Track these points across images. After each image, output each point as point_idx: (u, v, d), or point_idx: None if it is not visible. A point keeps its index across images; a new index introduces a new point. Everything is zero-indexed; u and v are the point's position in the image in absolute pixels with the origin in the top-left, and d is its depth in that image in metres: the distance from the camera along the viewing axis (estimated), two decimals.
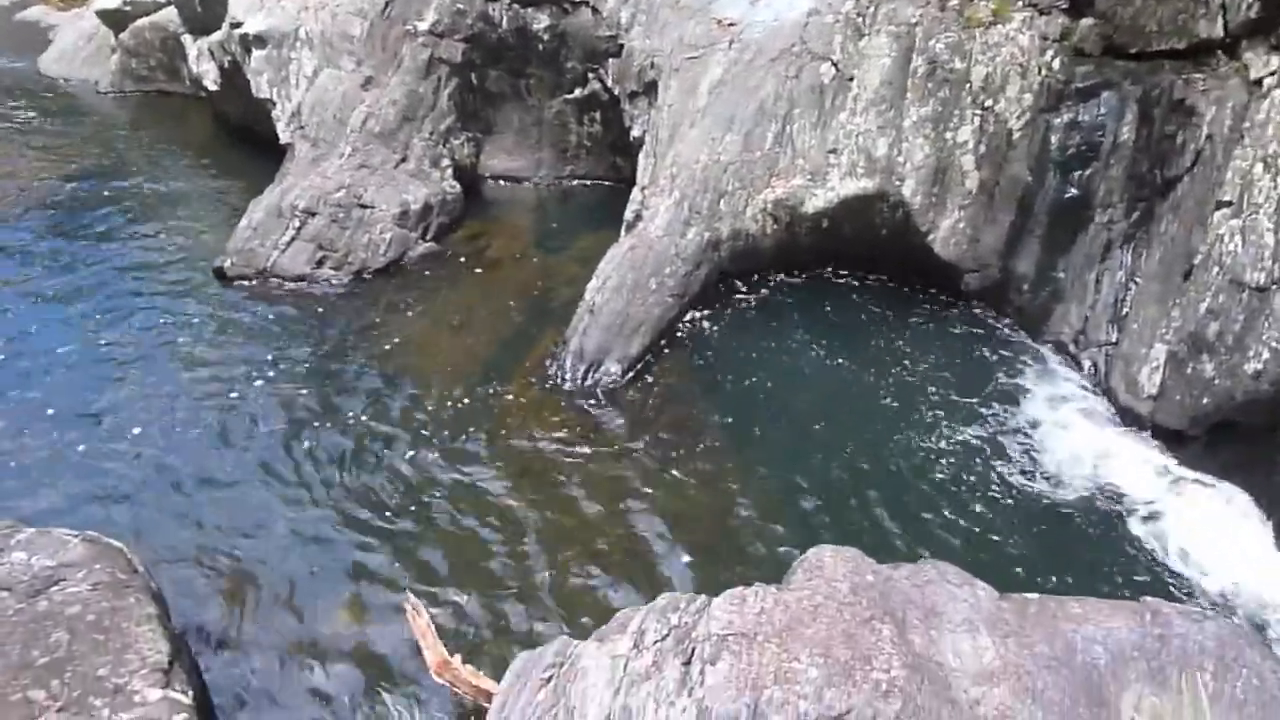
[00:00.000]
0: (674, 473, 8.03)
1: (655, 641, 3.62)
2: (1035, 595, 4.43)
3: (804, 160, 10.74)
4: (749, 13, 11.71)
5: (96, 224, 12.49)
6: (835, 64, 10.78)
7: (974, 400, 9.07)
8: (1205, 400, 8.08)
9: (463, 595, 6.73)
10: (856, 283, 11.06)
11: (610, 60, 12.66)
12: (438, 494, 7.77)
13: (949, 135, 10.29)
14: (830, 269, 11.27)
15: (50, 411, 8.74)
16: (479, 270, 11.54)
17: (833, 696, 3.28)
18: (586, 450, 8.35)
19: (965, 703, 3.59)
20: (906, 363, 9.58)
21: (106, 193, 13.44)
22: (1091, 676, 3.97)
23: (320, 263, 11.15)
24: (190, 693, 5.80)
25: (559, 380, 9.28)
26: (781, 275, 11.19)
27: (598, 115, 13.38)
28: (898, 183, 10.40)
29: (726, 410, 8.85)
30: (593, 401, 9.02)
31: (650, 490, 7.81)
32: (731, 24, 11.68)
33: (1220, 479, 8.06)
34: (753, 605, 3.65)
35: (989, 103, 10.12)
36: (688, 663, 3.48)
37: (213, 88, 14.98)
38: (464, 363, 9.63)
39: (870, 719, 3.24)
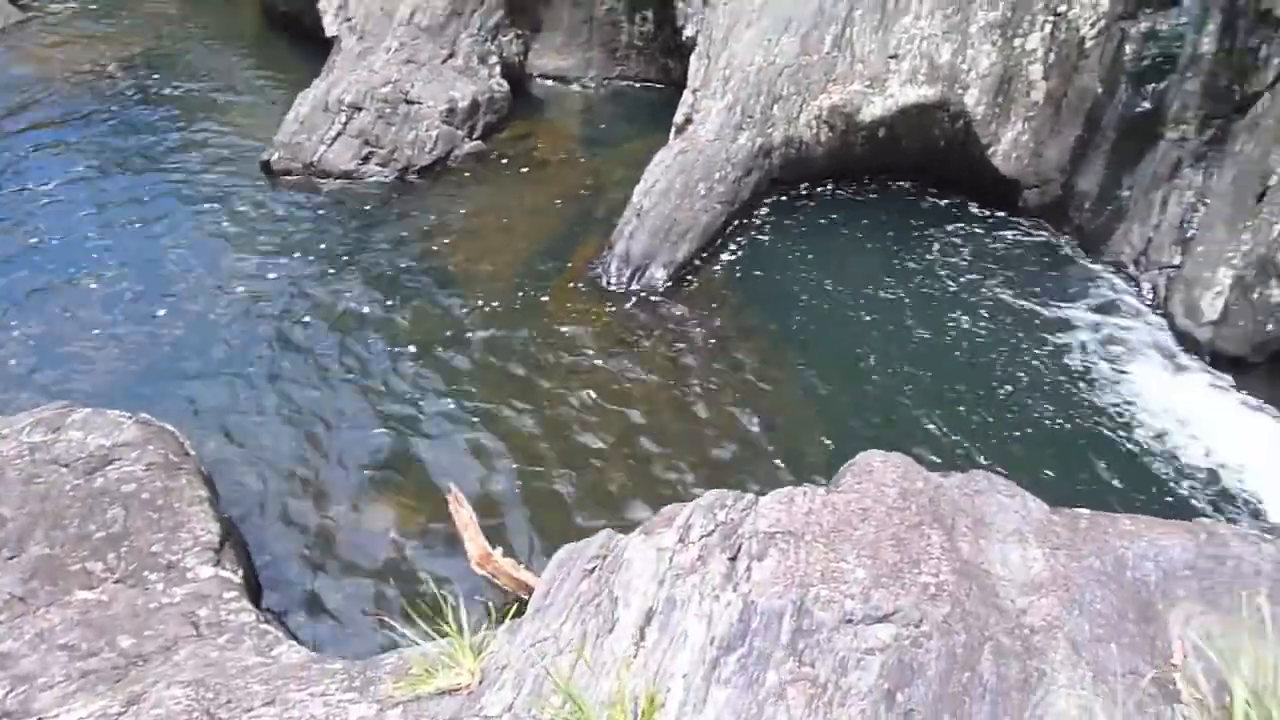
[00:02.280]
0: (715, 377, 7.97)
1: (701, 536, 3.61)
2: (1087, 510, 4.36)
3: (863, 65, 10.35)
4: None
5: (142, 114, 12.45)
6: None
7: (1026, 317, 8.85)
8: (1269, 326, 7.82)
9: (504, 491, 6.80)
10: (911, 195, 10.74)
11: None
12: (480, 391, 7.80)
13: (1017, 42, 9.84)
14: (885, 180, 10.96)
15: (99, 297, 8.86)
16: (525, 170, 11.38)
17: (880, 597, 3.26)
18: (629, 353, 8.31)
19: (1012, 611, 3.56)
20: (959, 278, 9.35)
21: (153, 83, 13.36)
22: (1141, 592, 3.92)
23: (366, 159, 11.05)
24: (240, 572, 5.98)
25: (603, 283, 9.20)
26: (834, 185, 10.90)
27: (649, 14, 12.95)
28: (960, 91, 10.01)
29: (772, 318, 8.74)
30: (637, 305, 8.94)
31: (691, 394, 7.77)
32: None
33: None
34: (800, 505, 3.62)
35: (1062, 8, 9.63)
36: (734, 558, 3.47)
37: None
38: (508, 263, 9.57)
39: (917, 621, 3.21)
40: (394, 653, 4.62)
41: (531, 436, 7.32)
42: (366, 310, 8.77)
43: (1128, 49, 9.33)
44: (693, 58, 11.18)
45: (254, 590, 6.16)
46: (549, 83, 13.54)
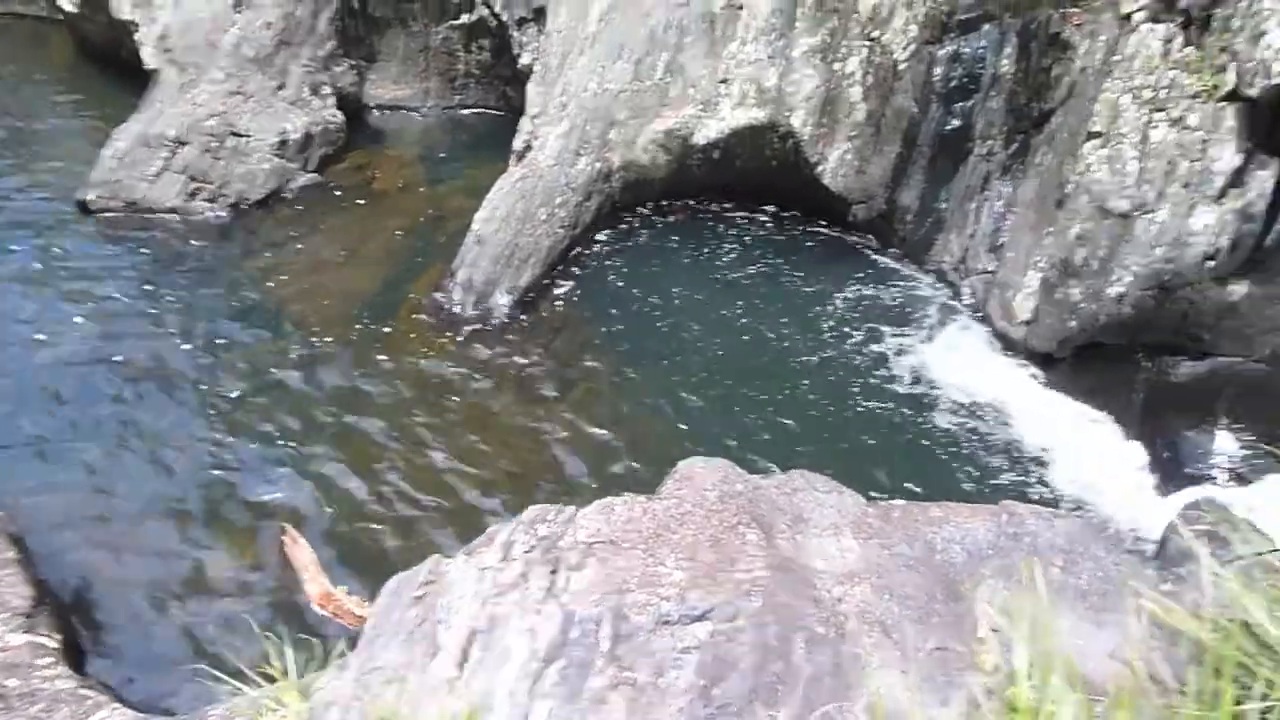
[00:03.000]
0: (561, 400, 8.02)
1: (524, 552, 3.61)
2: (901, 501, 4.58)
3: (695, 90, 10.66)
4: None
5: None
6: None
7: (857, 326, 9.26)
8: (1072, 323, 8.44)
9: (348, 527, 6.62)
10: (749, 215, 11.10)
11: None
12: (321, 430, 7.58)
13: (837, 66, 10.33)
14: (723, 201, 11.28)
15: None
16: (364, 202, 11.17)
17: (696, 597, 3.34)
18: (475, 381, 8.25)
19: (828, 601, 3.69)
20: (795, 292, 9.71)
21: None
22: (949, 574, 4.12)
23: (193, 195, 10.62)
24: (57, 636, 5.59)
25: (447, 312, 9.11)
26: (675, 206, 11.15)
27: (486, 43, 12.98)
28: (787, 113, 10.43)
29: (616, 339, 8.85)
30: (481, 333, 8.89)
31: (537, 417, 7.78)
32: None
33: (1085, 399, 8.47)
34: (620, 514, 3.68)
35: (875, 33, 10.17)
36: (554, 571, 3.48)
37: (71, 9, 13.95)
38: (349, 297, 9.35)
39: (731, 617, 3.31)
40: (220, 704, 4.42)
41: (371, 472, 7.15)
42: (194, 353, 8.39)
43: (936, 71, 9.95)
44: (530, 85, 11.27)
45: (75, 654, 5.77)
46: (387, 113, 13.35)
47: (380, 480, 7.04)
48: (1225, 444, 7.65)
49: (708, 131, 10.56)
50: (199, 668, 5.58)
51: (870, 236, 10.77)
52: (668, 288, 9.65)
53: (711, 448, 7.20)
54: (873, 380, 8.48)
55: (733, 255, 10.25)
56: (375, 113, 13.23)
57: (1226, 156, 7.43)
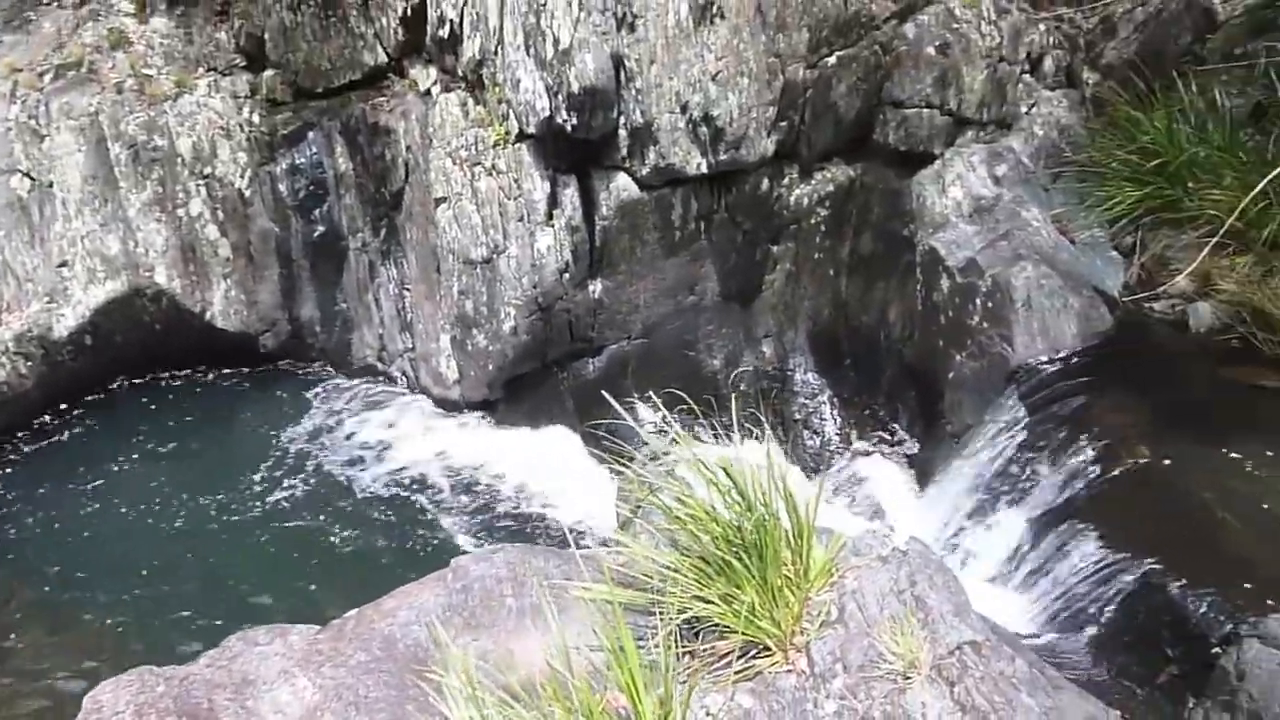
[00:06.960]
0: None
1: None
2: (355, 611, 4.51)
3: (34, 284, 9.59)
4: None
5: None
6: (27, 174, 9.70)
7: (304, 453, 9.04)
8: (489, 367, 9.10)
9: None
10: (153, 389, 10.23)
11: None
12: None
13: (181, 212, 9.96)
14: (124, 383, 10.28)
15: None
16: None
17: None
18: None
19: None
20: (225, 448, 9.19)
21: None
22: (417, 655, 4.15)
23: None
24: None
25: None
26: (67, 410, 9.91)
27: None
28: (148, 274, 9.82)
29: (30, 587, 7.60)
30: None
31: None
32: None
33: (531, 424, 9.21)
34: None
35: (208, 170, 9.99)
36: None
37: None
38: None
39: None
40: None
41: None
42: None
43: (282, 187, 10.07)
44: None
45: None
46: None
47: None
48: (645, 414, 8.79)
49: (67, 322, 9.55)
50: None
51: (289, 359, 10.57)
52: (83, 504, 8.54)
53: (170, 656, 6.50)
54: (338, 500, 8.34)
55: (147, 439, 9.38)
56: None
57: (538, 187, 8.51)
